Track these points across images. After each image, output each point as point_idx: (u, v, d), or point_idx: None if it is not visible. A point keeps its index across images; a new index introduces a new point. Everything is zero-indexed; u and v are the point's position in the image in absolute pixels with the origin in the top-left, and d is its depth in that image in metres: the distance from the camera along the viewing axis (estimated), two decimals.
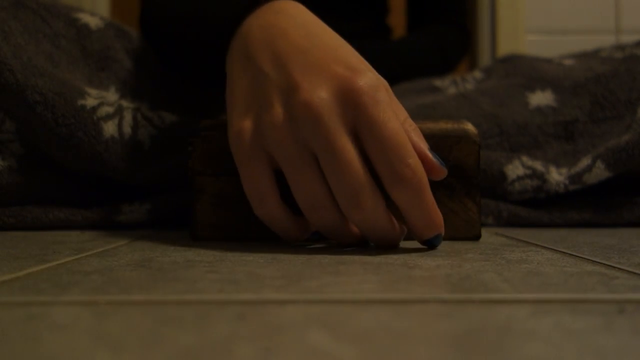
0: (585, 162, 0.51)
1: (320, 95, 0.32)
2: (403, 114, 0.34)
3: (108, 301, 0.21)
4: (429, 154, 0.33)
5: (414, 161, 0.31)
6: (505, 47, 1.38)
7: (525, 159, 0.53)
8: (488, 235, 0.43)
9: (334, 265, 0.28)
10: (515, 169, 0.53)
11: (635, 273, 0.26)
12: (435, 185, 0.39)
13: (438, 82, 0.66)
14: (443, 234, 0.34)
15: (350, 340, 0.16)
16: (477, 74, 0.67)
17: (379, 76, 0.34)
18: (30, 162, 0.48)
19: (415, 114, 0.59)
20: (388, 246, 0.35)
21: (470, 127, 0.40)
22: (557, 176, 0.52)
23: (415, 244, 0.37)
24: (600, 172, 0.50)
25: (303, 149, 0.32)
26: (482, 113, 0.57)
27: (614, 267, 0.28)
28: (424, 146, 0.33)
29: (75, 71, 0.50)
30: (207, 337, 0.16)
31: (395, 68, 0.77)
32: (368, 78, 0.32)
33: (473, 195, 0.40)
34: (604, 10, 1.43)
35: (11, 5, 0.49)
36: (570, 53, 0.68)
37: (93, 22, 0.54)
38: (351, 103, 0.32)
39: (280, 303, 0.20)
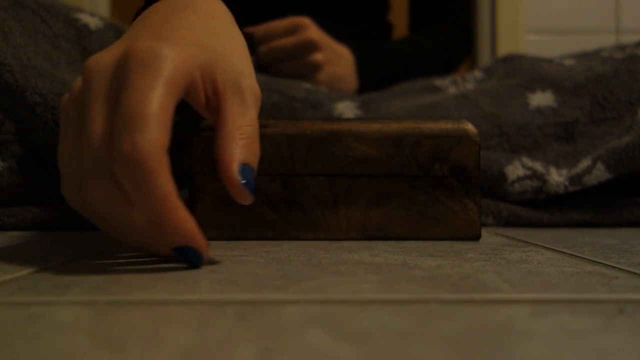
0: (585, 163, 0.51)
1: (101, 58, 0.29)
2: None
3: (108, 301, 0.21)
4: (234, 169, 0.29)
5: (144, 137, 0.26)
6: (505, 47, 1.38)
7: (525, 159, 0.53)
8: (488, 235, 0.43)
9: (334, 265, 0.28)
10: (515, 170, 0.52)
11: (635, 273, 0.26)
12: (435, 185, 0.39)
13: (438, 82, 0.66)
14: (198, 247, 0.27)
15: (350, 340, 0.16)
16: (477, 74, 0.67)
17: (189, 48, 0.30)
18: (30, 163, 0.48)
19: (415, 114, 0.59)
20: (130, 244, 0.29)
21: (470, 127, 0.40)
22: (557, 177, 0.52)
23: (416, 245, 0.37)
24: (600, 174, 0.50)
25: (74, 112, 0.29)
26: (482, 113, 0.57)
27: (614, 267, 0.28)
28: (237, 158, 0.29)
29: (75, 72, 0.50)
30: (207, 337, 0.16)
31: (398, 68, 0.77)
32: (152, 44, 0.28)
33: (473, 195, 0.40)
34: (604, 10, 1.43)
35: (11, 5, 0.49)
36: (570, 53, 0.68)
37: (93, 22, 0.54)
38: (122, 67, 0.28)
39: (280, 303, 0.20)
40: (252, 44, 0.69)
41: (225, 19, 0.35)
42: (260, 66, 0.70)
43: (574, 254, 0.33)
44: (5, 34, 0.47)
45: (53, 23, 0.51)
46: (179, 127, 0.51)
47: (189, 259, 0.27)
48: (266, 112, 0.59)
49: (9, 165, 0.47)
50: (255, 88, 0.32)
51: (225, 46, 0.32)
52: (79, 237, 0.42)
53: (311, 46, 0.69)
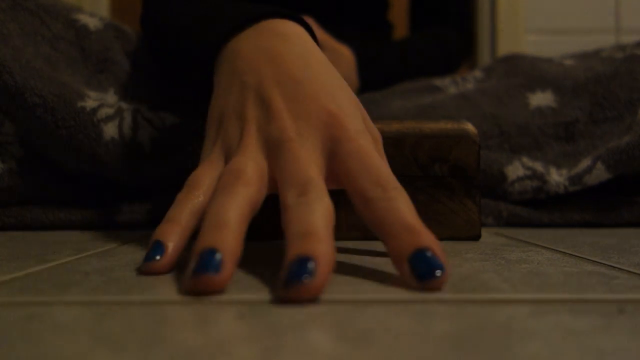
0: (585, 163, 0.51)
1: (305, 144, 0.28)
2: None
3: (108, 301, 0.21)
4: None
5: (393, 180, 0.26)
6: (505, 47, 1.38)
7: (525, 159, 0.53)
8: (488, 235, 0.43)
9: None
10: (515, 170, 0.52)
11: (635, 273, 0.26)
12: (435, 186, 0.39)
13: (438, 82, 0.66)
14: (435, 251, 0.23)
15: (350, 340, 0.16)
16: (478, 74, 0.67)
17: (369, 126, 0.31)
18: (30, 164, 0.48)
19: (416, 114, 0.59)
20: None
21: (470, 127, 0.40)
22: (557, 177, 0.52)
23: None
24: (600, 174, 0.50)
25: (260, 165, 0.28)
26: (483, 113, 0.57)
27: (614, 267, 0.28)
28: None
29: (74, 73, 0.50)
30: (207, 337, 0.16)
31: (399, 68, 0.77)
32: (357, 125, 0.29)
33: (473, 195, 0.40)
34: (604, 10, 1.43)
35: (10, 7, 0.49)
36: (570, 53, 0.68)
37: (92, 22, 0.54)
38: (333, 145, 0.28)
39: (280, 303, 0.20)
40: None
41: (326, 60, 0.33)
42: None
43: (574, 254, 0.33)
44: (4, 35, 0.47)
45: (52, 24, 0.51)
46: (179, 128, 0.51)
47: (424, 269, 0.23)
48: None
49: (9, 166, 0.47)
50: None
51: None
52: (79, 236, 0.42)
53: None
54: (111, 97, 0.50)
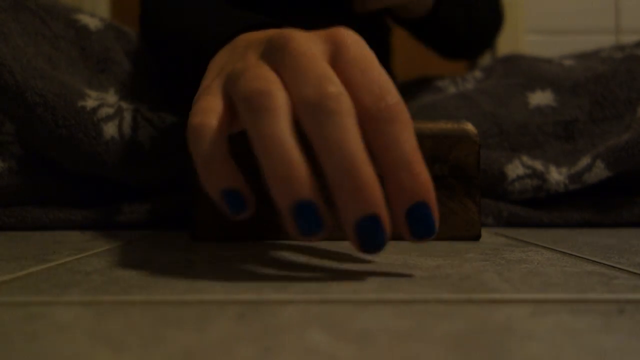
0: (585, 161, 0.51)
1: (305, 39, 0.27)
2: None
3: (108, 301, 0.21)
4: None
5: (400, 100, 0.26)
6: (505, 47, 1.38)
7: (525, 158, 0.53)
8: (488, 235, 0.43)
9: (334, 265, 0.29)
10: (515, 169, 0.52)
11: (635, 273, 0.26)
12: (435, 186, 0.39)
13: (438, 82, 0.66)
14: (432, 207, 0.24)
15: (350, 340, 0.16)
16: (477, 74, 0.67)
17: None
18: (30, 163, 0.48)
19: (416, 114, 0.59)
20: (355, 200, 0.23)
21: (470, 127, 0.40)
22: (557, 176, 0.52)
23: (415, 245, 0.37)
24: (600, 172, 0.50)
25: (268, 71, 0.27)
26: (482, 113, 0.57)
27: (614, 267, 0.28)
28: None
29: (75, 73, 0.50)
30: (207, 337, 0.16)
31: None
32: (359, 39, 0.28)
33: (473, 195, 0.40)
34: (604, 10, 1.43)
35: (10, 6, 0.49)
36: (570, 53, 0.68)
37: (92, 23, 0.54)
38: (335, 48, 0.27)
39: (280, 303, 0.20)
40: None
41: None
42: None
43: (574, 254, 0.33)
44: (5, 35, 0.47)
45: (53, 24, 0.51)
46: (179, 127, 0.51)
47: (421, 223, 0.25)
48: None
49: (9, 165, 0.47)
50: None
51: None
52: (79, 236, 0.42)
53: None
54: (111, 97, 0.50)
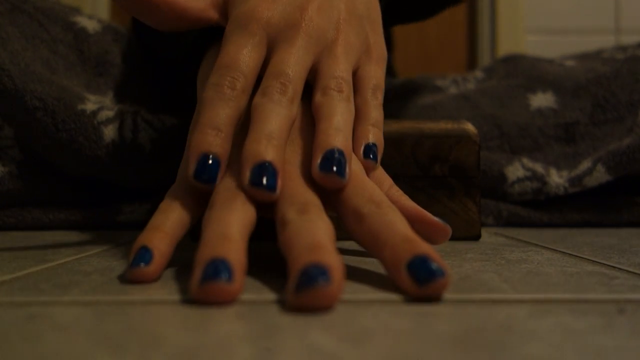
0: (585, 165, 0.51)
1: None
2: (388, 180, 0.31)
3: (108, 301, 0.21)
4: (428, 214, 0.29)
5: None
6: (505, 47, 1.38)
7: (525, 160, 0.53)
8: (488, 235, 0.43)
9: None
10: (515, 171, 0.52)
11: (635, 273, 0.26)
12: (435, 186, 0.39)
13: (439, 82, 0.66)
14: (434, 258, 0.22)
15: (350, 340, 0.16)
16: (478, 74, 0.67)
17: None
18: (30, 167, 0.48)
19: (416, 115, 0.59)
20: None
21: (470, 127, 0.40)
22: (557, 179, 0.52)
23: None
24: (600, 176, 0.50)
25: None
26: (483, 114, 0.57)
27: (614, 267, 0.28)
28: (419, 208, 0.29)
29: (73, 77, 0.50)
30: (207, 337, 0.16)
31: None
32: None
33: (473, 195, 0.40)
34: (604, 10, 1.43)
35: (8, 10, 0.49)
36: (571, 54, 0.68)
37: (91, 25, 0.54)
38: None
39: (280, 303, 0.20)
40: None
41: None
42: None
43: (574, 254, 0.33)
44: (3, 39, 0.47)
45: (51, 27, 0.51)
46: (179, 129, 0.51)
47: (425, 271, 0.21)
48: None
49: (9, 170, 0.47)
50: None
51: None
52: (79, 236, 0.42)
53: None
54: (110, 100, 0.50)
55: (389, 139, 0.39)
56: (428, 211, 0.40)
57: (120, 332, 0.17)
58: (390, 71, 0.80)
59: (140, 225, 0.49)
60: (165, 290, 0.22)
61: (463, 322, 0.18)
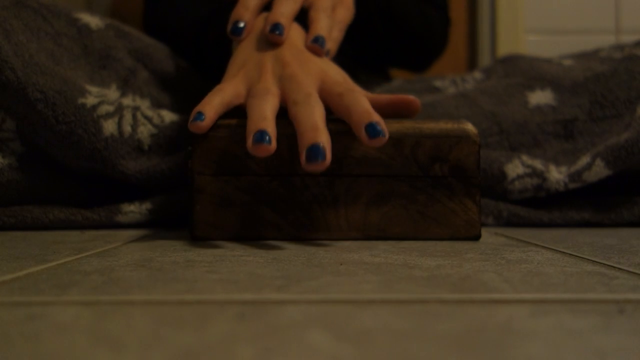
0: (584, 160, 0.51)
1: (306, 78, 0.41)
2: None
3: (108, 301, 0.21)
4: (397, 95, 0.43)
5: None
6: (505, 47, 1.38)
7: (525, 157, 0.53)
8: (488, 235, 0.43)
9: (334, 265, 0.29)
10: (515, 168, 0.52)
11: (635, 273, 0.26)
12: (435, 186, 0.39)
13: (438, 83, 0.66)
14: (381, 124, 0.36)
15: (350, 340, 0.16)
16: (477, 75, 0.67)
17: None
18: (30, 160, 0.48)
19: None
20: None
21: (470, 127, 0.40)
22: (556, 174, 0.52)
23: (416, 245, 0.37)
24: (599, 170, 0.50)
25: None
26: (482, 112, 0.57)
27: (614, 267, 0.28)
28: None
29: (77, 68, 0.51)
30: (207, 337, 0.16)
31: (377, 10, 0.72)
32: (338, 78, 0.41)
33: (473, 195, 0.40)
34: (604, 10, 1.43)
35: (13, 4, 0.50)
36: (569, 53, 0.68)
37: (93, 22, 0.54)
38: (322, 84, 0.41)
39: (280, 303, 0.20)
40: None
41: None
42: None
43: (574, 254, 0.33)
44: (7, 32, 0.47)
45: (54, 22, 0.52)
46: (179, 126, 0.51)
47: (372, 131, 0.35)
48: None
49: (9, 162, 0.47)
50: None
51: None
52: (79, 236, 0.42)
53: None
54: (113, 93, 0.51)
55: (389, 139, 0.39)
56: (428, 211, 0.40)
57: (120, 332, 0.17)
58: (386, 75, 0.80)
59: (140, 225, 0.49)
60: (165, 290, 0.22)
61: (463, 322, 0.18)
